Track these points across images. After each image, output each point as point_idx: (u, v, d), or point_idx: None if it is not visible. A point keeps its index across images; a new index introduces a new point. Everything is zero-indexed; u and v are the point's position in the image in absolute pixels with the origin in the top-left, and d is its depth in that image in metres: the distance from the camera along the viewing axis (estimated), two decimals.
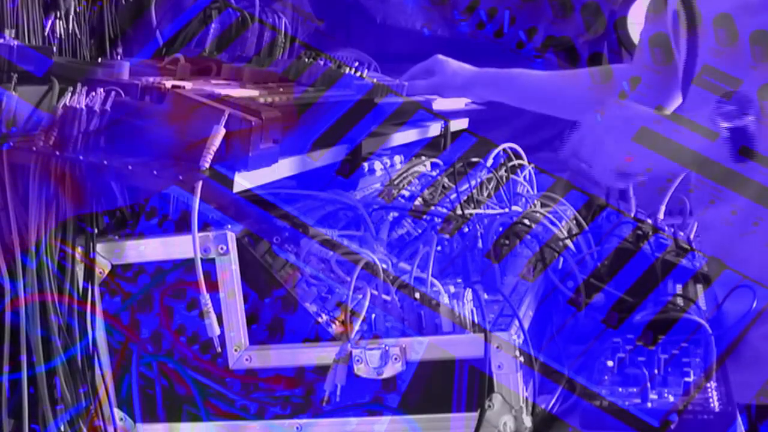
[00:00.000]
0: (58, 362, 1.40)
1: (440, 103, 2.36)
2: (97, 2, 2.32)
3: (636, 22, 4.20)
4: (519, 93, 2.36)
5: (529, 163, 2.25)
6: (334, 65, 2.07)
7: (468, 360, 1.37)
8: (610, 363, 1.64)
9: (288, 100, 1.67)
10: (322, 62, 2.02)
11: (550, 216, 1.89)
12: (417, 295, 1.46)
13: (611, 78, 2.25)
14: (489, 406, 1.36)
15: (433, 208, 1.86)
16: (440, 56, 2.39)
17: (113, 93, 1.45)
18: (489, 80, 2.35)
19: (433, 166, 2.20)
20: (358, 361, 1.38)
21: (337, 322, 1.42)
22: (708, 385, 1.59)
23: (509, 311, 1.48)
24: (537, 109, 2.44)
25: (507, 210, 1.93)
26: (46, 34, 2.13)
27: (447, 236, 1.75)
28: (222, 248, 1.41)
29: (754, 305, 1.77)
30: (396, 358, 1.37)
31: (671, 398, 1.54)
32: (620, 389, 1.56)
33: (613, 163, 1.68)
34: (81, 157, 1.40)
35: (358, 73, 2.06)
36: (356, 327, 1.40)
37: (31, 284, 1.39)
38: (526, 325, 1.45)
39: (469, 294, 1.48)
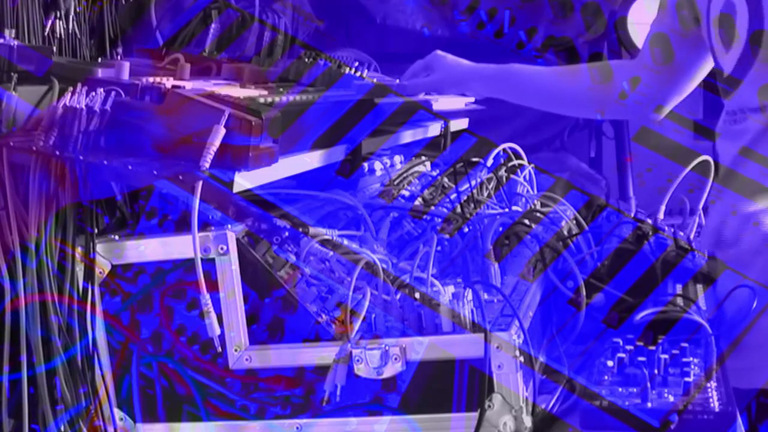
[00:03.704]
0: (58, 362, 1.40)
1: (440, 103, 2.36)
2: (97, 2, 2.32)
3: (636, 22, 4.20)
4: (517, 89, 2.35)
5: (529, 163, 2.25)
6: (334, 65, 2.07)
7: (468, 360, 1.37)
8: (610, 363, 1.64)
9: (288, 100, 1.67)
10: (322, 62, 2.02)
11: (551, 216, 1.89)
12: (417, 295, 1.46)
13: (611, 78, 2.24)
14: (489, 406, 1.36)
15: (433, 208, 1.86)
16: (439, 52, 2.39)
17: (113, 93, 1.45)
18: (487, 75, 2.34)
19: (433, 166, 2.20)
20: (358, 361, 1.38)
21: (337, 322, 1.42)
22: (708, 385, 1.59)
23: (509, 311, 1.48)
24: (536, 106, 2.44)
25: (507, 210, 1.93)
26: (46, 34, 2.13)
27: (447, 236, 1.75)
28: (222, 248, 1.41)
29: (754, 305, 1.77)
30: (396, 358, 1.37)
31: (671, 398, 1.54)
32: (620, 389, 1.56)
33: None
34: (81, 157, 1.40)
35: (358, 73, 2.06)
36: (356, 327, 1.40)
37: (31, 284, 1.39)
38: (526, 325, 1.45)
39: (469, 294, 1.48)
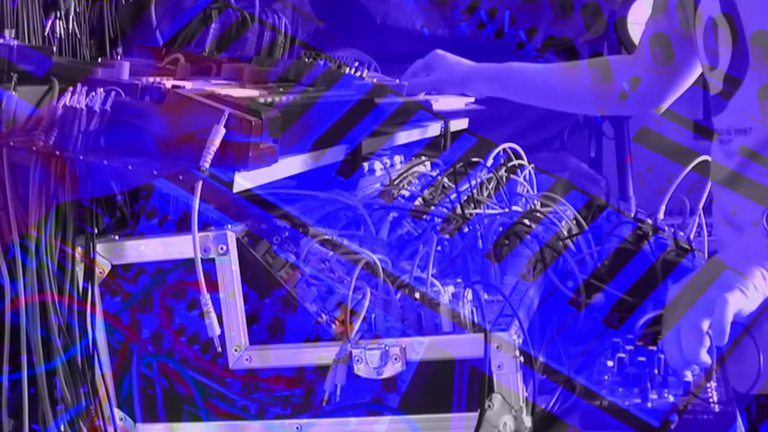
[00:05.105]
0: (58, 362, 1.40)
1: (440, 103, 2.36)
2: (97, 2, 2.32)
3: (636, 22, 4.20)
4: (518, 88, 2.36)
5: (529, 163, 2.25)
6: (334, 65, 2.07)
7: (468, 360, 1.37)
8: (610, 363, 1.64)
9: (288, 100, 1.67)
10: (322, 62, 2.02)
11: (550, 216, 1.89)
12: (417, 295, 1.46)
13: (611, 78, 2.25)
14: (489, 406, 1.36)
15: (433, 208, 1.86)
16: (439, 51, 2.39)
17: (113, 93, 1.45)
18: (487, 75, 2.35)
19: (433, 166, 2.20)
20: (358, 361, 1.38)
21: (337, 322, 1.42)
22: (708, 385, 1.59)
23: (509, 311, 1.48)
24: (536, 104, 2.44)
25: (507, 210, 1.93)
26: (46, 34, 2.13)
27: (447, 236, 1.75)
28: (222, 248, 1.41)
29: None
30: (396, 358, 1.37)
31: (671, 398, 1.54)
32: (620, 389, 1.56)
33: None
34: (81, 157, 1.40)
35: (358, 73, 2.06)
36: (356, 327, 1.40)
37: (31, 284, 1.39)
38: (525, 326, 1.45)
39: (469, 294, 1.48)
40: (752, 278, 1.52)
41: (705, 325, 1.46)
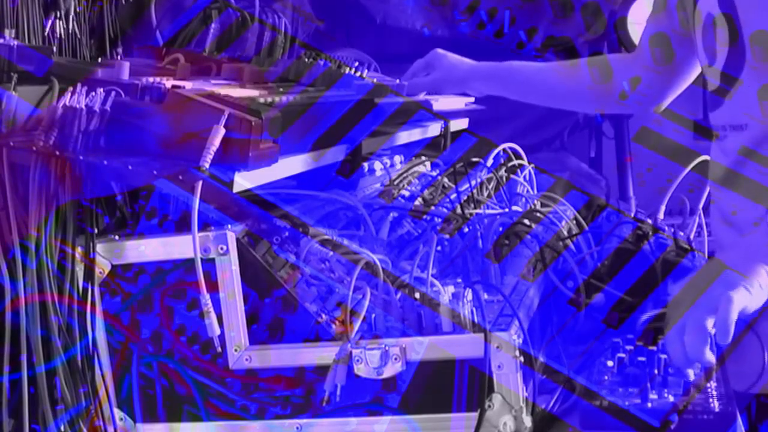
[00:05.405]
0: (58, 362, 1.40)
1: (440, 103, 2.36)
2: (97, 2, 2.32)
3: (636, 22, 4.20)
4: (517, 87, 2.36)
5: (529, 163, 2.25)
6: (334, 65, 2.07)
7: (468, 360, 1.37)
8: (610, 363, 1.64)
9: (288, 100, 1.67)
10: (322, 62, 2.02)
11: (550, 216, 1.89)
12: (417, 295, 1.46)
13: (611, 78, 2.25)
14: (489, 406, 1.36)
15: (433, 208, 1.86)
16: (439, 50, 2.39)
17: (113, 93, 1.45)
18: (487, 73, 2.35)
19: (433, 166, 2.20)
20: (358, 361, 1.38)
21: (337, 322, 1.42)
22: (708, 385, 1.59)
23: (509, 311, 1.48)
24: (536, 102, 2.45)
25: (507, 210, 1.93)
26: (46, 34, 2.13)
27: (447, 236, 1.75)
28: (222, 248, 1.41)
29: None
30: (396, 358, 1.37)
31: (671, 398, 1.54)
32: (620, 389, 1.56)
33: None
34: (81, 157, 1.40)
35: (358, 73, 2.06)
36: (356, 327, 1.40)
37: (31, 284, 1.39)
38: (525, 326, 1.45)
39: (469, 294, 1.48)
40: (756, 276, 1.52)
41: (710, 323, 1.46)
